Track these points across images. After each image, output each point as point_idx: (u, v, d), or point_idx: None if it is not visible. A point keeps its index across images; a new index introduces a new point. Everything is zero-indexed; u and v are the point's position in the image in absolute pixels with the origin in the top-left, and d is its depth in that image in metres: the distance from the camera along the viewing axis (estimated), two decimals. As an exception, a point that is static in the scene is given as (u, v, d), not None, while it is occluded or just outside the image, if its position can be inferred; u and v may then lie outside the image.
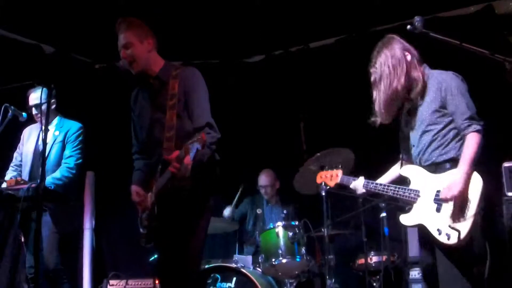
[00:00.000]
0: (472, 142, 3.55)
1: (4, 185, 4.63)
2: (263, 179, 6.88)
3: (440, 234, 3.55)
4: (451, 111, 3.67)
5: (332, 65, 7.14)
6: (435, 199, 3.66)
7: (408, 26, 3.33)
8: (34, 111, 5.12)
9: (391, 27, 6.55)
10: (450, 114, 3.68)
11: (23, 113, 5.08)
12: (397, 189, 3.85)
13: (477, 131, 3.57)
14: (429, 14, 6.06)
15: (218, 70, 7.69)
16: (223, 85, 7.39)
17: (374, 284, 5.80)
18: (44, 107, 4.88)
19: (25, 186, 4.44)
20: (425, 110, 3.76)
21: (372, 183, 4.01)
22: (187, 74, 3.73)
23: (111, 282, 6.03)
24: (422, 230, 3.74)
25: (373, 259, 5.83)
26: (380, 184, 3.97)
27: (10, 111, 4.95)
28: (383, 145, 5.99)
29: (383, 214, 5.56)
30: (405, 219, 3.80)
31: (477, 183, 3.53)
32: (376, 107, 3.89)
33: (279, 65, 7.59)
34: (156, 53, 3.80)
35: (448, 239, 3.51)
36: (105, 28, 4.21)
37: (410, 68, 3.78)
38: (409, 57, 3.80)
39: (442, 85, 3.71)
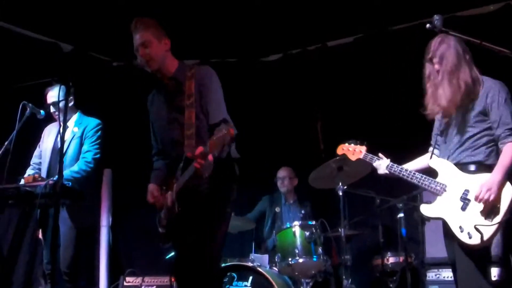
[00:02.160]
0: (510, 151, 3.59)
1: (22, 181, 4.65)
2: (281, 171, 6.93)
3: (462, 231, 3.56)
4: (493, 119, 3.68)
5: (350, 64, 7.12)
6: (462, 197, 3.65)
7: (428, 25, 3.28)
8: (52, 109, 5.14)
9: (409, 26, 6.53)
10: (490, 121, 3.69)
11: (41, 111, 5.10)
12: (423, 178, 3.82)
13: None
14: (448, 13, 6.00)
15: (236, 68, 7.69)
16: (240, 84, 7.39)
17: (391, 285, 5.76)
18: (61, 104, 4.94)
19: (43, 183, 4.45)
20: (471, 111, 3.73)
21: (398, 167, 3.95)
22: (202, 73, 3.73)
23: (128, 279, 6.07)
24: (444, 226, 3.73)
25: (390, 260, 5.80)
26: (406, 170, 3.92)
27: (28, 109, 4.97)
28: (402, 144, 5.98)
29: (401, 215, 5.50)
30: (427, 209, 3.79)
31: (508, 191, 3.55)
32: (440, 100, 3.78)
33: (296, 64, 7.58)
34: (171, 54, 3.80)
35: (470, 238, 3.52)
36: (123, 27, 4.22)
37: (470, 67, 3.76)
38: (467, 57, 3.78)
39: (490, 92, 3.70)
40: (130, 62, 3.75)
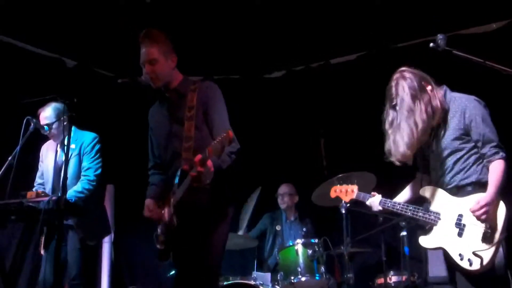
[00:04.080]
0: (499, 169, 3.58)
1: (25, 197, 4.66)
2: (282, 188, 6.93)
3: (462, 259, 3.54)
4: (475, 139, 3.66)
5: (353, 81, 7.13)
6: (457, 223, 3.64)
7: (431, 44, 3.30)
8: (45, 130, 5.17)
9: (412, 44, 6.54)
10: (474, 141, 3.67)
11: (45, 126, 5.12)
12: (416, 210, 3.82)
13: (503, 158, 3.61)
14: (451, 31, 6.03)
15: (239, 85, 7.71)
16: (243, 100, 7.40)
17: (394, 304, 5.72)
18: (56, 125, 5.07)
19: (46, 198, 4.46)
20: (448, 136, 3.73)
21: (390, 202, 3.98)
22: (205, 87, 3.72)
23: (129, 295, 6.03)
24: (444, 254, 3.70)
25: (393, 278, 5.76)
26: (398, 204, 3.93)
27: (32, 124, 4.99)
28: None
29: (403, 233, 5.47)
30: (425, 241, 3.79)
31: (501, 210, 3.53)
32: (400, 147, 3.74)
33: (299, 81, 7.60)
34: (176, 69, 3.80)
35: (470, 265, 3.50)
36: (128, 43, 4.23)
37: (429, 99, 3.71)
38: (429, 87, 3.74)
39: (466, 112, 3.68)
40: (134, 79, 3.74)
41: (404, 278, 5.63)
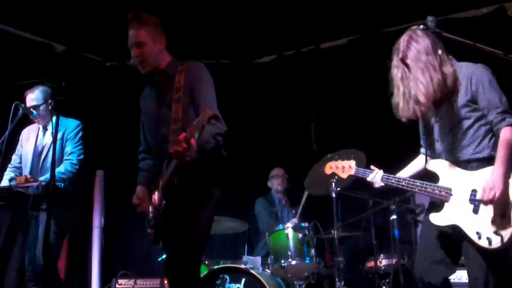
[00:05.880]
0: (506, 137, 3.35)
1: (13, 182, 4.63)
2: (278, 170, 6.97)
3: (480, 238, 3.32)
4: (482, 106, 3.44)
5: (343, 65, 7.13)
6: (471, 199, 3.41)
7: (421, 26, 3.28)
8: (34, 116, 5.13)
9: (403, 27, 6.51)
10: (481, 109, 3.45)
11: (34, 111, 5.08)
12: (424, 186, 3.57)
13: (511, 124, 3.36)
14: (441, 15, 6.01)
15: (229, 70, 7.69)
16: (233, 85, 7.38)
17: (384, 287, 5.76)
18: (42, 108, 5.00)
19: (35, 184, 4.43)
20: (456, 103, 3.50)
21: (394, 178, 3.71)
22: (193, 68, 3.68)
23: (120, 281, 6.03)
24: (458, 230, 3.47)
25: (383, 262, 5.81)
26: (404, 179, 3.68)
27: (21, 109, 4.93)
28: (395, 145, 5.99)
29: (393, 217, 5.52)
30: (437, 218, 3.51)
31: None
32: (418, 95, 3.51)
33: (290, 65, 7.59)
34: (165, 51, 3.76)
35: (490, 244, 3.28)
36: (116, 27, 4.20)
37: (441, 62, 3.51)
38: (439, 51, 3.52)
39: (473, 79, 3.46)
40: (123, 62, 3.72)
41: (394, 261, 5.68)
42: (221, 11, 6.60)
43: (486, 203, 3.33)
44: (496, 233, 3.28)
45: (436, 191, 3.53)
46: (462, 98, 3.49)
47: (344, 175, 4.01)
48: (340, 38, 7.28)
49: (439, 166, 3.60)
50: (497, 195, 3.28)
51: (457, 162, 3.52)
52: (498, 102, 3.41)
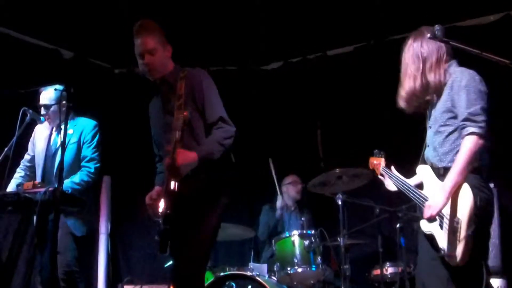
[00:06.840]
0: (464, 148, 3.18)
1: (20, 188, 4.64)
2: (292, 176, 6.95)
3: (444, 252, 3.27)
4: (456, 112, 3.32)
5: (350, 73, 7.14)
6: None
7: (428, 35, 3.28)
8: (43, 111, 5.07)
9: (409, 35, 6.53)
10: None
11: (42, 117, 5.09)
12: (412, 191, 3.54)
13: (471, 133, 3.18)
14: (448, 23, 6.02)
15: (236, 77, 7.71)
16: (240, 92, 7.40)
17: (390, 295, 5.75)
18: (53, 108, 4.95)
19: (42, 189, 4.43)
20: (438, 109, 3.44)
21: (392, 174, 3.79)
22: (193, 74, 3.71)
23: (126, 287, 6.04)
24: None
25: (389, 270, 5.78)
26: (399, 179, 3.72)
27: (29, 115, 4.94)
28: (402, 153, 5.97)
29: (399, 225, 5.50)
30: (422, 223, 3.45)
31: (466, 198, 3.17)
32: (400, 98, 3.62)
33: (296, 72, 7.61)
34: (170, 59, 3.79)
35: (450, 260, 3.23)
36: (124, 34, 4.22)
37: (431, 68, 3.47)
38: (435, 57, 3.50)
39: (454, 84, 3.35)
40: (131, 69, 3.74)
41: (400, 269, 5.65)
42: (228, 18, 6.63)
43: (428, 220, 3.29)
44: (452, 250, 3.19)
45: (417, 198, 3.48)
46: (444, 102, 3.42)
47: (378, 172, 4.00)
48: (346, 45, 7.29)
49: (424, 172, 3.56)
50: (433, 214, 3.23)
51: (437, 169, 3.45)
52: (463, 108, 3.25)
